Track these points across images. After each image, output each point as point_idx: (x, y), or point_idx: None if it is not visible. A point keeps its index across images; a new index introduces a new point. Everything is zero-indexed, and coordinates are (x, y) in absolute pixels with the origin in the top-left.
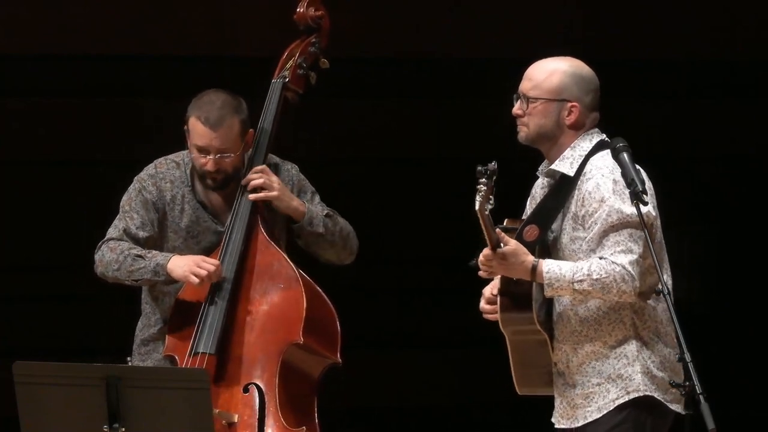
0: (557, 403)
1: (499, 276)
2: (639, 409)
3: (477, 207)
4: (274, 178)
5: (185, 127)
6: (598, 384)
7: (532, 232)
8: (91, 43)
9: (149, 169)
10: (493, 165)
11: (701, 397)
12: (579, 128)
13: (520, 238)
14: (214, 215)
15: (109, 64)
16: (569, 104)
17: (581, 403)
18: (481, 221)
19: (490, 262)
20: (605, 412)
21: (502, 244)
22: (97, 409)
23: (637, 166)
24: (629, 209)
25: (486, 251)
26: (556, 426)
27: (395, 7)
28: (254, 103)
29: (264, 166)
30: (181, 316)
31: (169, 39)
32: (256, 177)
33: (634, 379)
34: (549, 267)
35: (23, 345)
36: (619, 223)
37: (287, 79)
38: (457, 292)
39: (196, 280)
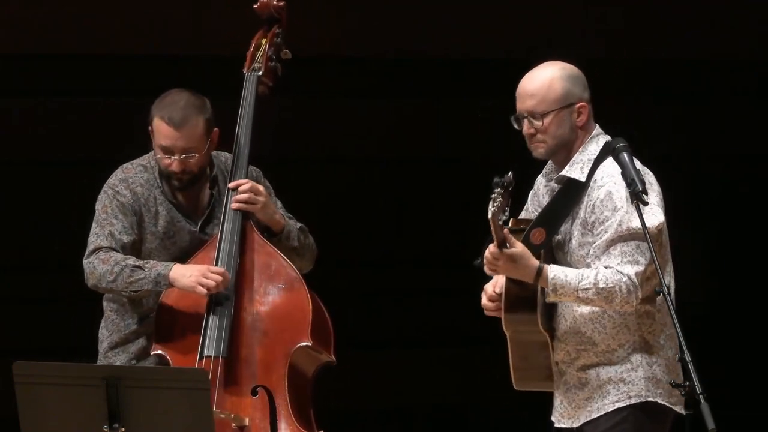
0: (557, 402)
1: (502, 275)
2: (639, 412)
3: (490, 216)
4: (261, 188)
5: (149, 128)
6: (599, 386)
7: (539, 235)
8: (91, 43)
9: (118, 174)
10: (509, 176)
11: (701, 397)
12: (588, 128)
13: (527, 240)
14: (186, 215)
15: (109, 64)
16: (577, 105)
17: (582, 403)
18: (492, 227)
19: (497, 261)
20: (603, 412)
21: (508, 245)
22: (97, 409)
23: (642, 167)
24: (640, 221)
25: (492, 248)
26: (556, 425)
27: (395, 7)
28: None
29: (249, 181)
30: (172, 317)
31: (168, 39)
32: (243, 191)
33: (636, 384)
34: (554, 273)
35: (23, 345)
36: (628, 233)
37: (261, 72)
38: (457, 292)
39: (204, 291)
